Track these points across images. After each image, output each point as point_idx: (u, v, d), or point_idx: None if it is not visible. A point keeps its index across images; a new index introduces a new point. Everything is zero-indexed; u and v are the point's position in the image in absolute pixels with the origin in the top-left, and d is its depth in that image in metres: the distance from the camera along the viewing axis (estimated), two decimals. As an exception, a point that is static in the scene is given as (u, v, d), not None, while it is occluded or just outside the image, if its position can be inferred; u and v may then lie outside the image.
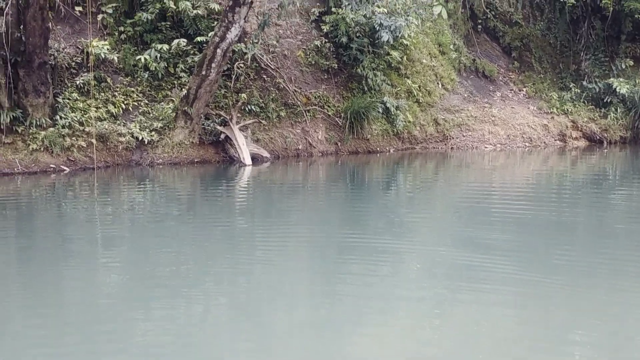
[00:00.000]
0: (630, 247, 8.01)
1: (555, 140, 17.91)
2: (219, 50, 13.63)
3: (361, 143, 16.23)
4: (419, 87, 17.34)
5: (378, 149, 16.36)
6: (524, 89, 19.17)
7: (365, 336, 5.33)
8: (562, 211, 10.39)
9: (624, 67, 18.61)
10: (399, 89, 16.98)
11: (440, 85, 18.06)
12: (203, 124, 14.30)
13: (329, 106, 16.11)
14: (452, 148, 17.13)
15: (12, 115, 12.90)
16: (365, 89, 16.32)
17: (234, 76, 14.96)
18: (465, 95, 18.41)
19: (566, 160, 16.69)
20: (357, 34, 16.19)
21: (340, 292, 6.48)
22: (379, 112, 16.11)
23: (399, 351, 5.02)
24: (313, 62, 16.44)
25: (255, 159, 14.30)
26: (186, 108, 13.92)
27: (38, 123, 13.05)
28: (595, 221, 9.72)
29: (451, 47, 18.83)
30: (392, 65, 16.92)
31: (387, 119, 16.40)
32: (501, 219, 9.59)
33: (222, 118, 14.47)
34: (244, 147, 14.00)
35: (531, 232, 8.78)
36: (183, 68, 14.85)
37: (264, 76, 15.73)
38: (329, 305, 6.08)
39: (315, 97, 16.06)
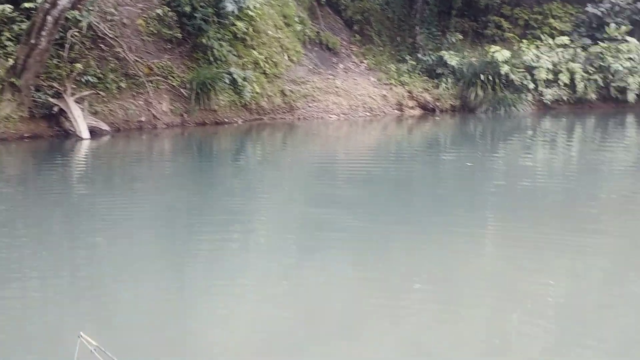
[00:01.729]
0: (456, 200, 8.75)
1: (393, 109, 18.88)
2: (49, 18, 12.59)
3: (208, 114, 15.95)
4: (266, 58, 17.35)
5: (226, 120, 16.19)
6: (365, 61, 19.95)
7: (214, 301, 5.31)
8: (401, 171, 11.08)
9: (454, 40, 20.02)
10: (245, 59, 16.87)
11: (286, 57, 18.22)
12: (33, 97, 13.20)
13: (173, 77, 15.61)
14: (298, 118, 17.43)
15: None
16: (211, 59, 16.01)
17: (67, 45, 13.93)
18: (311, 67, 18.76)
19: (403, 128, 17.71)
20: (201, 4, 15.78)
21: (193, 251, 6.40)
22: (225, 83, 15.91)
23: (252, 309, 5.07)
24: (155, 31, 15.80)
25: (94, 133, 13.50)
26: (13, 79, 12.76)
27: None
28: (430, 179, 10.49)
29: (296, 19, 19.04)
30: (238, 36, 16.75)
31: (234, 90, 16.25)
32: (347, 178, 10.15)
33: (54, 90, 13.45)
34: (80, 120, 13.15)
35: (374, 188, 9.42)
36: (9, 36, 13.57)
37: (102, 45, 14.82)
38: (179, 271, 5.98)
39: (158, 68, 15.47)
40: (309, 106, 17.80)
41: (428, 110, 19.20)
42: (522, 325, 4.76)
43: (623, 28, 19.50)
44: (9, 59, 13.15)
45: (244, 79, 16.14)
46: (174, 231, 7.32)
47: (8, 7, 13.38)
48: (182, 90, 15.60)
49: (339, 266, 6.07)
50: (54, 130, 13.47)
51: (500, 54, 18.55)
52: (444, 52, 19.45)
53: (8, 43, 13.50)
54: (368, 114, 18.40)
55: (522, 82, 18.90)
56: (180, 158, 12.64)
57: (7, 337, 4.51)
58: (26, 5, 13.59)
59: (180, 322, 4.86)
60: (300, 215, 8.15)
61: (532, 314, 4.94)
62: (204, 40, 15.80)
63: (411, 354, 4.34)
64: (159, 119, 15.15)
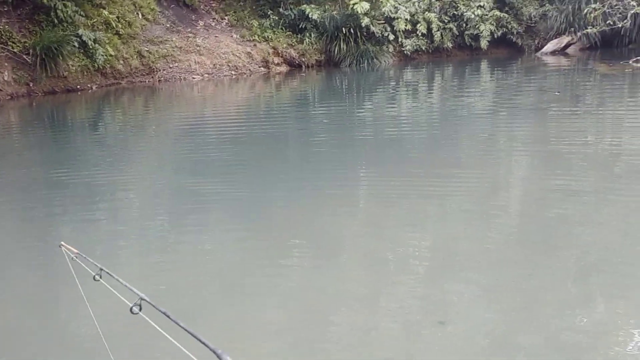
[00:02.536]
0: (328, 156, 8.71)
1: (259, 67, 18.50)
2: None
3: (58, 81, 14.70)
4: (117, 17, 16.21)
5: (79, 86, 15.02)
6: (226, 18, 19.26)
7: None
8: (271, 129, 10.85)
9: (313, -7, 19.85)
10: (95, 20, 15.65)
11: (140, 16, 17.13)
12: None
13: (13, 42, 14.14)
14: (159, 80, 16.58)
15: None
16: (56, 21, 14.69)
17: None
18: (168, 25, 17.81)
19: (271, 86, 17.43)
20: (37, -41, 14.32)
21: (55, 230, 5.81)
22: (74, 46, 14.70)
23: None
24: (-15, -8, 14.17)
25: None
26: None
27: None
28: (301, 136, 10.37)
29: (147, -26, 17.88)
30: (84, -6, 15.47)
31: (85, 53, 15.08)
32: (216, 141, 9.76)
33: None
34: None
35: (245, 149, 9.21)
36: None
37: None
38: (41, 250, 5.40)
39: (-6, 33, 13.93)
40: (170, 67, 16.97)
41: (294, 66, 19.02)
42: (395, 274, 4.78)
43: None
44: None
45: (95, 40, 15.00)
46: (33, 210, 6.64)
47: None
48: (25, 56, 14.20)
49: (216, 234, 5.81)
50: None
51: (360, 6, 18.65)
52: (305, 5, 19.23)
53: None
54: (233, 72, 17.89)
55: (382, 34, 19.21)
56: (30, 130, 11.55)
57: None
58: None
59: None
60: (170, 184, 7.75)
61: (405, 262, 4.98)
62: (44, 1, 14.37)
63: (295, 310, 4.29)
64: (1, 90, 13.72)
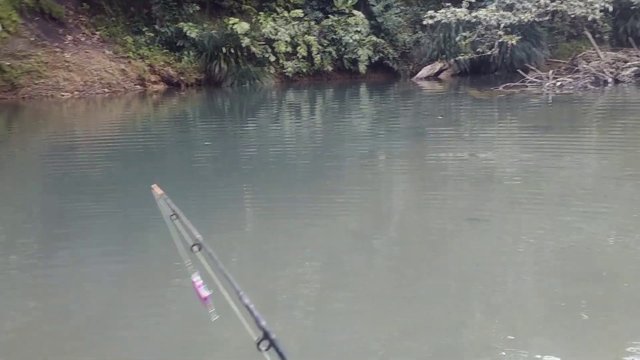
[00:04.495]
0: (211, 172, 8.34)
1: (135, 85, 17.64)
2: None
3: None
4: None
5: None
6: (97, 33, 18.21)
7: None
8: (148, 148, 10.28)
9: (191, 11, 19.30)
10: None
11: (1, 28, 15.75)
12: None
13: None
14: (23, 97, 15.29)
15: None
16: None
17: None
18: (32, 39, 16.52)
19: (148, 104, 16.68)
20: None
21: None
22: None
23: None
24: None
25: None
26: None
27: None
28: (180, 153, 9.91)
29: (8, -16, 16.52)
30: None
31: None
32: (89, 161, 9.08)
33: None
34: None
35: (119, 168, 8.63)
36: None
37: None
38: None
39: None
40: (35, 83, 15.74)
41: (173, 85, 18.35)
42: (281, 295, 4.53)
43: (350, 1, 20.74)
44: None
45: (-54, 52, 13.54)
46: None
47: None
48: None
49: (90, 257, 5.28)
50: None
51: (240, 26, 18.42)
52: (182, 23, 18.66)
53: None
54: (107, 90, 16.91)
55: (263, 55, 19.07)
56: None
57: None
58: None
59: None
60: (39, 204, 7.05)
61: (297, 278, 4.76)
62: None
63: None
64: None
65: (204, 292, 2.05)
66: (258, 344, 1.60)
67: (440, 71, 19.92)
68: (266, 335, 1.60)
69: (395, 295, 4.52)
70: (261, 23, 19.31)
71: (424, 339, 3.84)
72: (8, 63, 15.34)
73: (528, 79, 16.12)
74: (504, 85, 15.67)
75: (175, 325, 4.16)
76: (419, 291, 4.53)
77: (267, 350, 1.59)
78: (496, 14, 16.89)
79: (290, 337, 3.80)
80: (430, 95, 17.70)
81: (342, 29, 20.21)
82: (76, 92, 16.26)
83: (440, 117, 13.32)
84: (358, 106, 16.18)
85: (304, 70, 19.84)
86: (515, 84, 15.77)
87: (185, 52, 18.53)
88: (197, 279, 2.07)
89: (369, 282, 4.77)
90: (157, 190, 2.41)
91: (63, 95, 15.96)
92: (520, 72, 16.53)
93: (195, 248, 2.11)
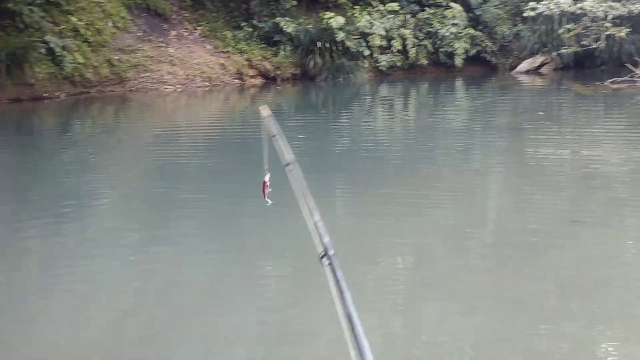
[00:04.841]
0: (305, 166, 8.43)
1: (233, 79, 18.17)
2: None
3: (24, 89, 14.16)
4: (87, 25, 15.75)
5: (46, 94, 14.50)
6: (199, 28, 18.91)
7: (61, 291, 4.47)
8: (246, 141, 10.56)
9: (288, 6, 19.62)
10: (63, 27, 15.18)
11: (110, 24, 16.70)
12: None
13: (-23, 48, 13.60)
14: (130, 90, 16.13)
15: None
16: (21, 26, 14.19)
17: None
18: (139, 34, 17.40)
19: (246, 98, 17.13)
20: (4, -38, 13.86)
21: (25, 239, 5.40)
22: (41, 53, 14.20)
23: (103, 290, 4.31)
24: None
25: None
26: None
27: None
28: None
29: (119, -18, 17.47)
30: (51, 0, 14.99)
31: (53, 60, 14.58)
32: (190, 151, 9.52)
33: None
34: None
35: (218, 160, 8.97)
36: None
37: None
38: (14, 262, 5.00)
39: (-44, 36, 13.38)
40: (141, 77, 16.54)
41: (269, 79, 18.74)
42: (380, 284, 4.52)
43: (447, -6, 20.35)
44: None
45: (63, 48, 14.52)
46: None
47: None
48: (-11, 62, 13.65)
49: (190, 241, 5.55)
50: None
51: (335, 20, 18.53)
52: (279, 18, 19.01)
53: None
54: (207, 84, 17.52)
55: (357, 49, 19.09)
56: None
57: None
58: None
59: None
60: (143, 191, 7.48)
61: (387, 275, 4.74)
62: (10, 5, 13.88)
63: (271, 321, 4.03)
64: (-38, 96, 13.16)
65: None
66: (321, 258, 1.70)
67: (542, 65, 19.14)
68: (325, 252, 1.69)
69: (488, 297, 4.39)
70: (356, 17, 19.32)
71: (516, 345, 3.72)
72: (117, 57, 16.22)
73: (638, 74, 15.15)
74: (610, 80, 14.83)
75: (273, 308, 4.25)
76: (515, 295, 4.38)
77: (329, 265, 1.67)
78: (603, 5, 16.00)
79: (378, 334, 3.79)
80: (530, 90, 17.04)
81: (438, 21, 19.86)
82: (179, 86, 16.96)
83: (541, 113, 12.80)
84: (453, 101, 15.84)
85: (398, 64, 19.66)
86: (623, 79, 14.89)
87: (282, 47, 18.86)
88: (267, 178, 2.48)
89: (461, 282, 4.66)
90: (265, 111, 2.58)
91: (166, 89, 16.70)
92: (629, 66, 15.56)
93: (289, 167, 2.31)
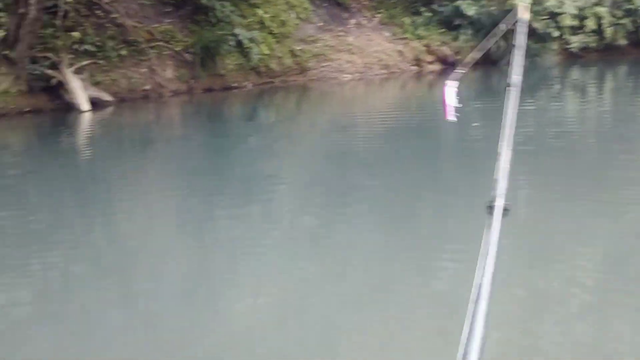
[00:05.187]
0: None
1: (411, 65, 17.92)
2: (37, -17, 11.90)
3: (215, 80, 15.22)
4: (272, 17, 16.48)
5: (234, 84, 15.45)
6: (378, 16, 18.90)
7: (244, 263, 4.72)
8: (423, 125, 10.32)
9: (470, -11, 18.85)
10: (250, 19, 16.03)
11: (293, 15, 17.31)
12: (29, 69, 12.56)
13: (175, 41, 14.85)
14: (311, 80, 16.61)
15: None
16: (214, 20, 15.22)
17: (61, 13, 13.21)
18: (320, 24, 17.83)
19: (423, 85, 16.82)
20: (200, -38, 14.95)
21: (214, 217, 5.80)
22: (231, 45, 15.13)
23: (285, 268, 4.46)
24: (153, -6, 15.04)
25: (96, 104, 12.88)
26: (7, 52, 12.16)
27: None
28: (452, 130, 9.75)
29: (302, -26, 18.05)
30: (241, -6, 15.91)
31: (241, 52, 15.46)
32: (369, 137, 9.52)
33: (51, 61, 12.79)
34: (78, 92, 12.51)
35: (399, 147, 8.85)
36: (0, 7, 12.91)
37: (98, 12, 14.09)
38: (202, 236, 5.38)
39: (159, 33, 14.72)
40: (322, 66, 16.94)
41: (448, 64, 18.18)
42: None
43: (653, -35, 18.14)
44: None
45: (251, 40, 15.33)
46: (194, 194, 6.84)
47: (-6, -25, 12.69)
48: (186, 55, 14.86)
49: (364, 226, 5.54)
50: (54, 104, 12.87)
51: (521, 0, 17.39)
52: (460, 1, 18.31)
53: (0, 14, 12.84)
54: (384, 71, 17.48)
55: (545, 30, 17.77)
56: (191, 124, 12.05)
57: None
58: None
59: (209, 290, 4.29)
60: (321, 176, 7.64)
61: (571, 278, 4.26)
62: (204, 1, 14.96)
63: (446, 309, 3.83)
64: (164, 87, 14.47)
65: (451, 100, 2.11)
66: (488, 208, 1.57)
67: None
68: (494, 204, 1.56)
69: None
70: (544, -3, 17.98)
71: None
72: (299, 48, 16.78)
73: None
74: None
75: (439, 295, 4.05)
76: None
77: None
78: None
79: (561, 344, 3.41)
80: None
81: (641, -4, 17.80)
82: (357, 74, 17.12)
83: None
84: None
85: (592, 45, 17.98)
86: None
87: (462, 31, 18.18)
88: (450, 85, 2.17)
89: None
90: (523, 12, 2.64)
91: (345, 77, 16.95)
92: None
93: (510, 88, 2.21)
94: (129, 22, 14.19)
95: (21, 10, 11.88)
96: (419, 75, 17.50)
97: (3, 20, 12.68)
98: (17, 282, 4.74)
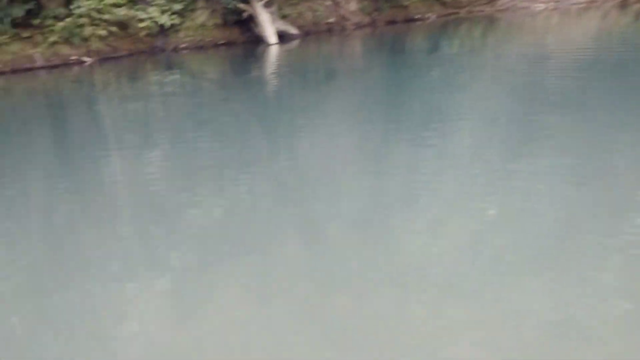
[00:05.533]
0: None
1: (616, -7, 16.05)
2: None
3: (398, 11, 14.95)
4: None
5: (418, 16, 15.07)
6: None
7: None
8: (624, 59, 9.28)
9: None
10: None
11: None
12: (224, 3, 13.31)
13: (361, -27, 14.76)
14: (499, 10, 15.63)
15: (26, 8, 12.27)
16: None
17: (255, -54, 13.70)
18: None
19: (628, 15, 15.01)
20: None
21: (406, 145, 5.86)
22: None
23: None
24: None
25: (283, 37, 13.36)
26: (205, -14, 12.97)
27: (53, 14, 12.41)
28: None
29: None
30: None
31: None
32: (562, 69, 8.78)
33: (244, -6, 13.43)
34: (267, 25, 13.04)
35: (591, 79, 8.04)
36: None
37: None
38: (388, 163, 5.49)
39: (344, -36, 14.71)
40: (512, -5, 15.83)
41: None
42: None
43: None
44: (201, -34, 13.33)
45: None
46: (374, 124, 6.92)
47: None
48: (370, -14, 14.73)
49: (548, 165, 5.20)
50: (245, 36, 13.59)
51: None
52: None
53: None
54: (583, 1, 15.87)
55: None
56: (373, 56, 12.04)
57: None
58: None
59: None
60: (504, 111, 7.25)
61: None
62: None
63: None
64: (347, 20, 14.56)
65: None
66: None
67: None
68: None
69: None
70: None
71: None
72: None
73: None
74: None
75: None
76: None
77: None
78: None
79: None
80: None
81: None
82: (551, 3, 15.75)
83: None
84: None
85: None
86: None
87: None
88: None
89: None
90: None
91: (537, 7, 15.69)
92: None
93: None
94: (316, -46, 14.33)
95: (218, -54, 12.53)
96: (623, 5, 15.63)
97: (203, -44, 13.48)
98: (230, 191, 5.19)
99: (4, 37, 12.01)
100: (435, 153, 5.95)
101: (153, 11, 12.90)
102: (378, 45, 13.53)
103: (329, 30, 14.33)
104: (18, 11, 12.08)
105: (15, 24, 12.06)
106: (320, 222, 4.58)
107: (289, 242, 4.32)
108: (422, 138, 6.33)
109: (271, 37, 13.01)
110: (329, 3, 14.41)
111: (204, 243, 4.29)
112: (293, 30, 13.69)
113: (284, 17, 13.83)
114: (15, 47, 12.10)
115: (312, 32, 14.10)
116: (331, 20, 14.35)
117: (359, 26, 14.59)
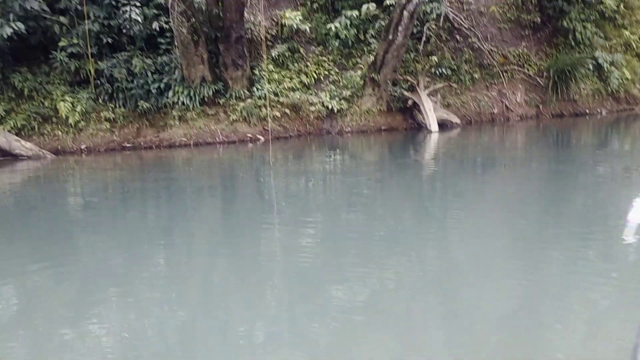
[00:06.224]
0: None
1: None
2: (405, 13, 13.15)
3: (567, 105, 14.60)
4: (639, 38, 15.06)
5: (587, 110, 14.59)
6: None
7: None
8: None
9: None
10: (613, 42, 14.93)
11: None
12: (390, 91, 13.96)
13: (529, 65, 14.74)
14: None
15: (215, 88, 13.80)
16: (573, 43, 14.63)
17: (423, 39, 14.34)
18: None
19: None
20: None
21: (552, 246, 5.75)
22: (588, 69, 14.34)
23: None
24: (512, 18, 15.14)
25: (444, 125, 13.61)
26: (373, 75, 13.71)
27: (237, 95, 13.82)
28: None
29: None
30: (606, 15, 14.91)
31: (599, 76, 14.53)
32: None
33: (409, 83, 13.99)
34: (430, 113, 13.40)
35: None
36: (373, 34, 14.62)
37: (457, 36, 14.85)
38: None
39: (513, 56, 14.80)
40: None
41: None
42: None
43: None
44: (370, 56, 14.16)
45: (611, 63, 14.28)
46: (527, 217, 6.81)
47: (372, 6, 14.38)
48: (538, 79, 14.62)
49: None
50: (407, 123, 14.05)
51: None
52: None
53: (372, 40, 14.53)
54: None
55: None
56: (535, 148, 11.80)
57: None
58: (387, 2, 14.41)
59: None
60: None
61: None
62: (565, 23, 14.48)
63: None
64: (512, 111, 14.51)
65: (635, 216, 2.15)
66: None
67: None
68: None
69: None
70: None
71: None
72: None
73: None
74: None
75: None
76: None
77: None
78: None
79: None
80: None
81: None
82: None
83: None
84: None
85: None
86: None
87: None
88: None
89: None
90: None
91: None
92: None
93: None
94: (485, 46, 14.60)
95: (390, 37, 13.28)
96: None
97: (373, 46, 14.34)
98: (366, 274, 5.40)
99: (193, 113, 13.56)
100: (597, 255, 5.69)
101: (324, 96, 13.88)
102: (542, 137, 13.25)
103: (492, 120, 14.34)
104: (207, 91, 13.63)
105: (203, 102, 13.60)
106: (465, 316, 4.56)
107: (429, 331, 4.36)
108: (581, 236, 6.09)
109: (433, 124, 13.32)
110: (494, 94, 14.49)
111: (348, 322, 4.47)
112: (455, 119, 13.90)
113: (447, 105, 14.13)
114: (201, 122, 13.58)
115: (473, 122, 14.21)
116: (494, 110, 14.37)
117: (523, 118, 14.44)
